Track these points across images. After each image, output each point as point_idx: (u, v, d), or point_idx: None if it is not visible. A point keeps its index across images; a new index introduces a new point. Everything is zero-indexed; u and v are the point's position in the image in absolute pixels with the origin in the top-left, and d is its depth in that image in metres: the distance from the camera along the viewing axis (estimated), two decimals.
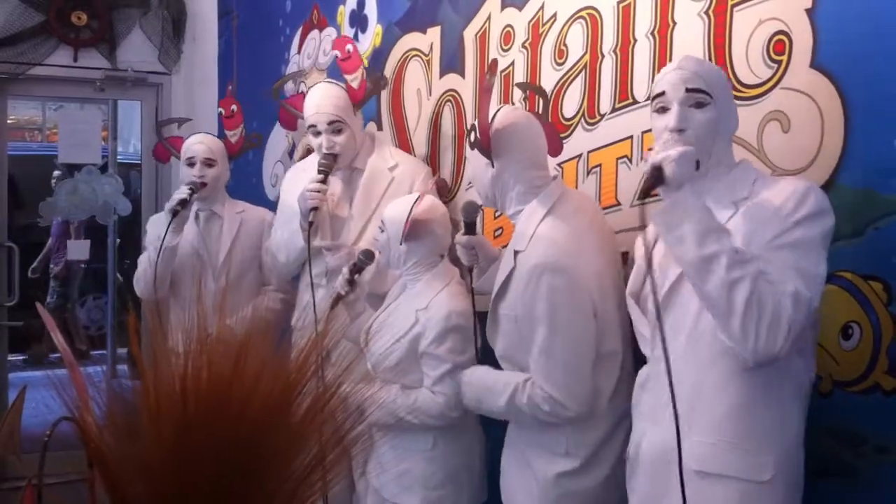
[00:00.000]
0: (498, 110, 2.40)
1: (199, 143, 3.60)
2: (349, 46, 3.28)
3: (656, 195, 1.90)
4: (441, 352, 2.59)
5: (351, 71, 3.21)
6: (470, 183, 3.19)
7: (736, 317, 1.74)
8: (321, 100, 3.14)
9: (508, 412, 2.37)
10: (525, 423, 2.36)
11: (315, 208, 3.01)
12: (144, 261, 3.55)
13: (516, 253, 2.33)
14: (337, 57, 3.34)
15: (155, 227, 3.63)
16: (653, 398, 2.01)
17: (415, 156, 3.49)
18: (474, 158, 2.42)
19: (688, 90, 1.91)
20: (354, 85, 3.21)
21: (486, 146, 2.33)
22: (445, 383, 2.58)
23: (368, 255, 2.85)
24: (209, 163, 3.56)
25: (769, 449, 1.85)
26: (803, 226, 1.80)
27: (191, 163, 3.56)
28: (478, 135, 2.35)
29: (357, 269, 2.84)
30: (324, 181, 3.05)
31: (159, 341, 1.05)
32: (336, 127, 3.11)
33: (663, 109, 1.94)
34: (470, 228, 2.59)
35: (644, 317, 2.08)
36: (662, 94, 1.94)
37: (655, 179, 1.80)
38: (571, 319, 2.24)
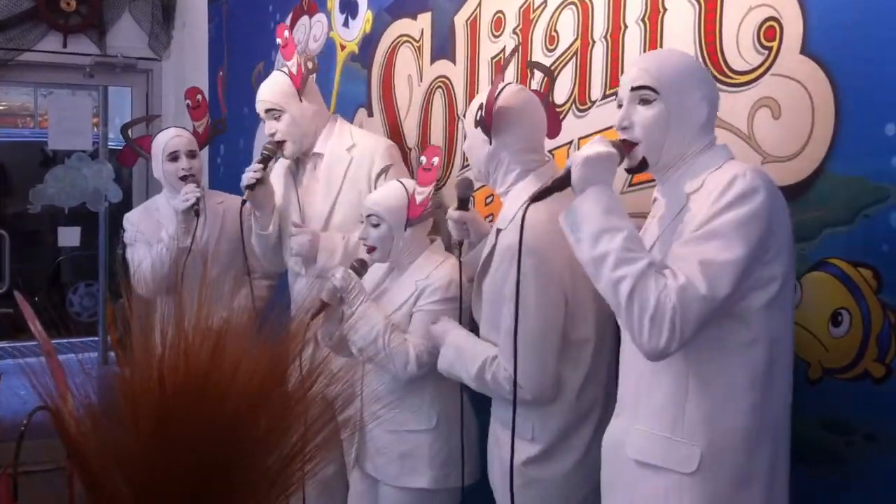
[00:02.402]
0: (504, 87, 2.42)
1: (178, 137, 3.57)
2: (286, 33, 3.28)
3: (641, 181, 1.91)
4: (436, 310, 2.62)
5: (287, 58, 3.23)
6: (461, 168, 3.18)
7: (621, 313, 1.77)
8: (261, 89, 3.24)
9: (476, 384, 2.40)
10: (496, 398, 2.40)
11: (249, 187, 3.08)
12: (147, 259, 3.47)
13: (498, 231, 2.36)
14: (279, 44, 3.35)
15: (135, 224, 3.60)
16: (614, 386, 2.06)
17: (405, 142, 3.48)
18: (472, 133, 2.44)
19: (632, 89, 1.92)
20: (293, 71, 3.22)
21: (487, 122, 2.34)
22: (426, 339, 2.61)
23: (363, 265, 2.77)
24: (192, 154, 3.55)
25: (696, 442, 1.83)
26: (719, 216, 1.77)
27: (174, 157, 3.51)
28: (483, 112, 2.35)
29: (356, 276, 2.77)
30: (262, 163, 3.13)
31: (138, 331, 1.04)
32: (273, 114, 3.17)
33: (619, 106, 1.97)
34: (463, 204, 2.61)
35: None
36: (616, 94, 1.99)
37: (563, 181, 1.88)
38: (538, 303, 2.26)
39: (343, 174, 3.15)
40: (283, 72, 3.23)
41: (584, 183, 1.83)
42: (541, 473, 2.33)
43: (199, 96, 3.71)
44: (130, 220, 3.71)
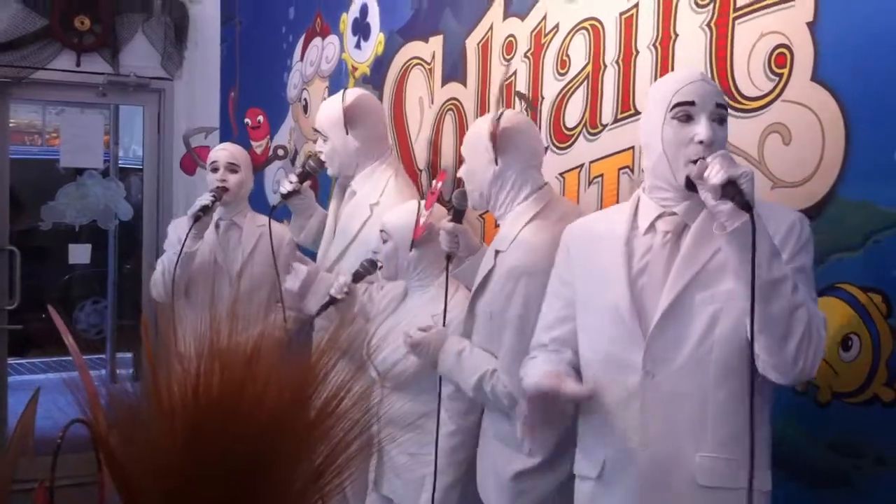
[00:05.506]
0: (502, 112, 2.49)
1: (222, 150, 3.64)
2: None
3: None
4: None
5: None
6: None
7: (793, 340, 1.74)
8: (320, 107, 3.32)
9: (475, 394, 2.43)
10: (493, 412, 2.45)
11: (284, 196, 3.24)
12: (162, 264, 3.54)
13: (497, 253, 2.41)
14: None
15: (176, 230, 3.63)
16: (645, 415, 1.90)
17: (416, 164, 3.51)
18: (472, 156, 2.48)
19: (717, 105, 1.87)
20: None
21: (494, 144, 2.41)
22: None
23: (372, 264, 2.82)
24: (232, 168, 3.56)
25: (768, 462, 1.90)
26: (802, 255, 1.83)
27: (214, 168, 3.57)
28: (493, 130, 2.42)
29: (359, 276, 2.83)
30: (298, 177, 3.26)
31: (171, 345, 1.06)
32: (321, 136, 3.26)
33: (687, 118, 1.86)
34: (458, 216, 2.62)
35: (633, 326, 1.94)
36: (692, 103, 1.86)
37: (734, 196, 1.69)
38: None
39: (360, 226, 3.12)
40: (337, 98, 3.22)
41: (753, 196, 1.72)
42: (534, 485, 2.37)
43: (259, 117, 3.73)
44: (174, 224, 3.75)
